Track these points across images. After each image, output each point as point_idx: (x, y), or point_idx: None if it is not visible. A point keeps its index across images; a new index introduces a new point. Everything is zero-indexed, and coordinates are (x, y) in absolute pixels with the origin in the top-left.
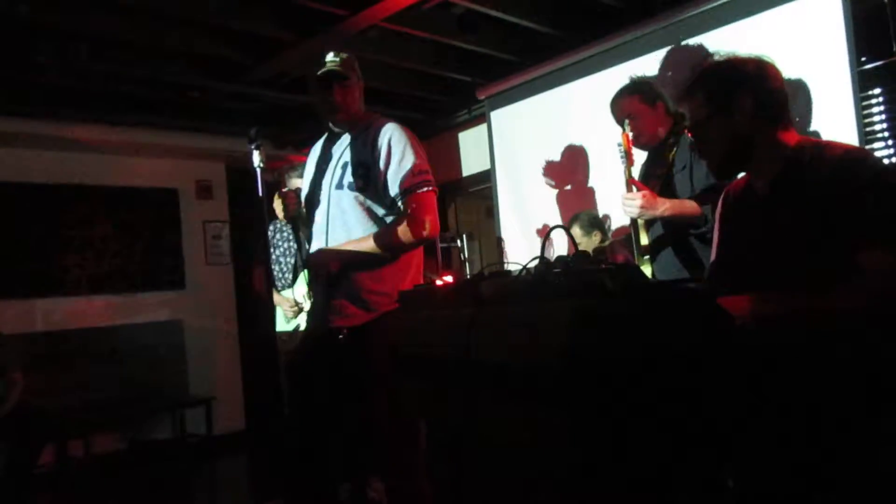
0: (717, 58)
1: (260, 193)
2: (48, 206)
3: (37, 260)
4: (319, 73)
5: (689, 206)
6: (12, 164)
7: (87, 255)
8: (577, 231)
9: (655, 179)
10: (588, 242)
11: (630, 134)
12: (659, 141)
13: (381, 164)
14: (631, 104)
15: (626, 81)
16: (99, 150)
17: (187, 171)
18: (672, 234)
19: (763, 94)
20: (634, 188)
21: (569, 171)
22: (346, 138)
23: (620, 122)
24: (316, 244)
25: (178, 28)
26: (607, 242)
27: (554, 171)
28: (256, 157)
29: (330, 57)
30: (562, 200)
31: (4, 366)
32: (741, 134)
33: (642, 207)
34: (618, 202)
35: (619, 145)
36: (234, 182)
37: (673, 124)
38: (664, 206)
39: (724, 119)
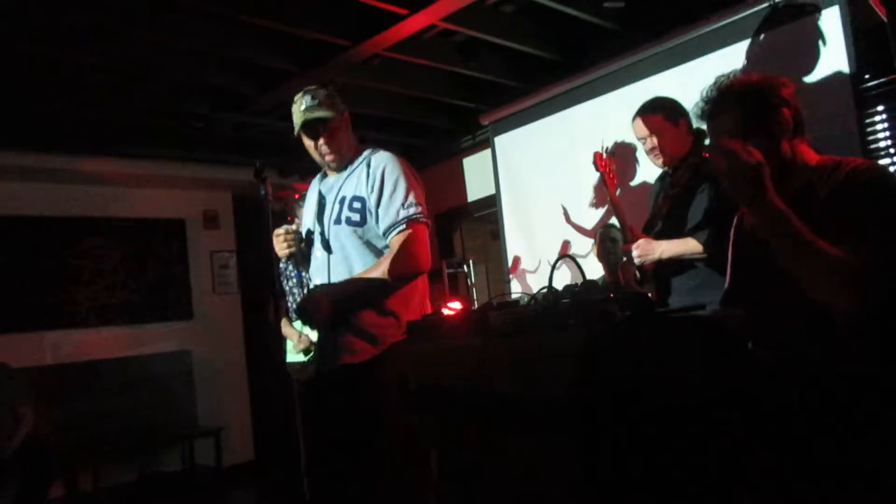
0: (739, 76)
1: (268, 227)
2: (56, 239)
3: (45, 293)
4: (302, 124)
5: (689, 244)
6: (20, 196)
7: (95, 287)
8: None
9: (667, 199)
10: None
11: (604, 153)
12: (677, 159)
13: (374, 197)
14: (654, 122)
15: (628, 104)
16: (106, 182)
17: (194, 201)
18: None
19: (795, 113)
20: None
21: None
22: (343, 172)
23: (642, 140)
24: (317, 280)
25: (182, 60)
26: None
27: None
28: (263, 191)
29: (307, 102)
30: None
31: (14, 400)
32: (780, 152)
33: (639, 256)
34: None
35: (593, 163)
36: (241, 211)
37: (693, 143)
38: (661, 249)
39: (765, 133)
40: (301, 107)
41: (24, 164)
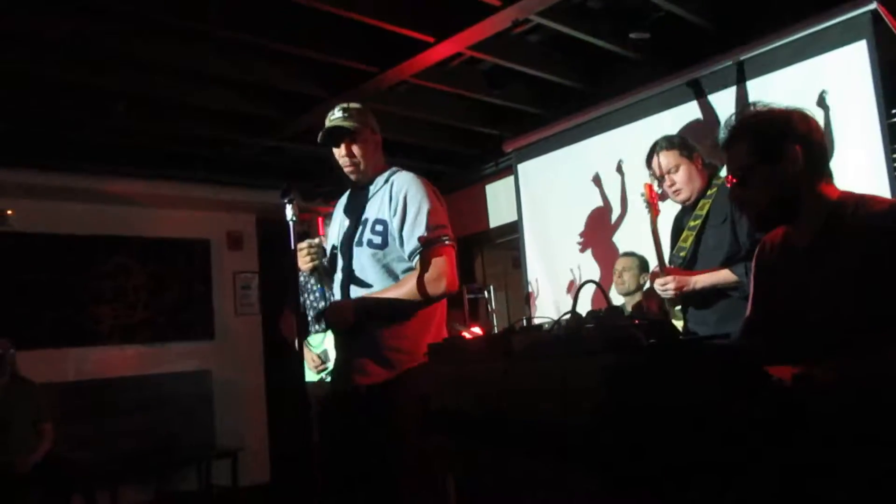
0: (759, 107)
1: (293, 246)
2: (82, 257)
3: (69, 310)
4: (323, 131)
5: (723, 275)
6: (48, 215)
7: (118, 305)
8: (627, 276)
9: (688, 231)
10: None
11: (655, 186)
12: (697, 194)
13: (397, 219)
14: (669, 158)
15: (651, 135)
16: (133, 202)
17: (219, 223)
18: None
19: (809, 146)
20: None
21: (596, 229)
22: (366, 193)
23: (659, 178)
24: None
25: (211, 85)
26: (646, 286)
27: (584, 233)
28: (289, 212)
29: (336, 113)
30: (598, 255)
31: (36, 415)
32: (788, 184)
33: (675, 290)
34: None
35: (643, 195)
36: (265, 233)
37: (708, 177)
38: (695, 280)
39: (771, 168)
40: (330, 116)
41: (52, 184)
